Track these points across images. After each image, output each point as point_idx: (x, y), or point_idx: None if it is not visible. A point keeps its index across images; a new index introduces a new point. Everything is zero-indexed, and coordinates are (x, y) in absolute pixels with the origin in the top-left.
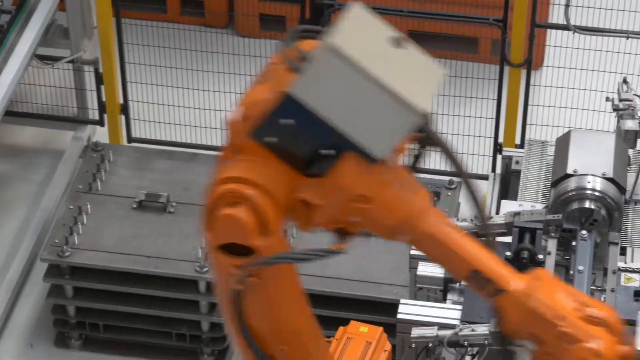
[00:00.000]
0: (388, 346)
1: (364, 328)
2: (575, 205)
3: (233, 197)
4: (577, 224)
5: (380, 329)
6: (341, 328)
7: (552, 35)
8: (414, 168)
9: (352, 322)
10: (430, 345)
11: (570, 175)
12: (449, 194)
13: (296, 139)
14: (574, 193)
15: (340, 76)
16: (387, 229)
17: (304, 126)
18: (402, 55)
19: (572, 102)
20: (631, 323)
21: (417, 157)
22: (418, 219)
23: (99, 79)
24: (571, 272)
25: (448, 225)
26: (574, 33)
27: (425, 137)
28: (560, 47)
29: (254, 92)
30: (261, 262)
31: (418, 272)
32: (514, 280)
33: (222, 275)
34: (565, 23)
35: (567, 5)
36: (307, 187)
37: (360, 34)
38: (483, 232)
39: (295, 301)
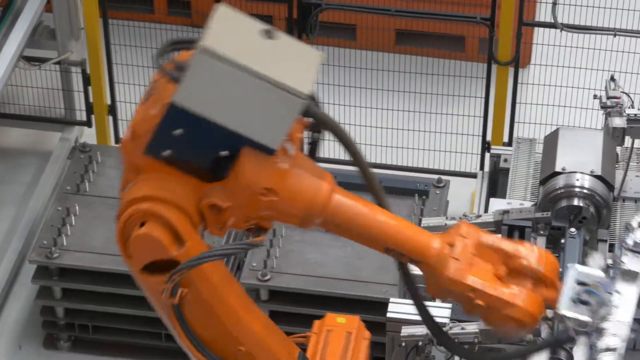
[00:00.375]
0: (367, 334)
1: (341, 319)
2: (564, 203)
3: (141, 217)
4: (565, 221)
5: (358, 317)
6: (317, 322)
7: (540, 33)
8: (313, 155)
9: (329, 315)
10: (420, 343)
11: (558, 173)
12: (437, 192)
13: (191, 147)
14: (562, 191)
15: (219, 76)
16: (298, 217)
17: (195, 133)
18: (275, 46)
19: (560, 100)
20: None
21: (313, 144)
22: (325, 202)
23: (87, 80)
24: (560, 269)
25: (358, 204)
26: (561, 31)
27: (316, 122)
28: (548, 45)
29: (140, 111)
30: (181, 267)
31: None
32: (428, 250)
33: (155, 295)
34: (552, 21)
35: (554, 3)
36: (213, 191)
37: (231, 32)
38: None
39: (236, 298)
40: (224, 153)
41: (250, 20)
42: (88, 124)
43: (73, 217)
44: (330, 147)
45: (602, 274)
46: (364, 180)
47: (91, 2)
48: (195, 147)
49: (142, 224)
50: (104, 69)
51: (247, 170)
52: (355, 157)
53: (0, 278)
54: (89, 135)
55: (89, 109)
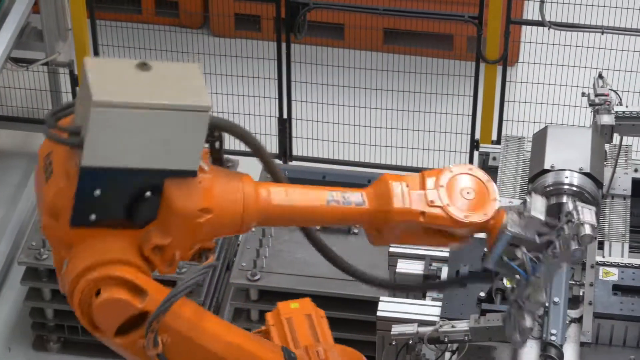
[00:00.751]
0: (322, 312)
1: (294, 304)
2: (553, 201)
3: (93, 287)
4: (555, 219)
5: (308, 299)
6: (269, 314)
7: (527, 31)
8: (221, 162)
9: (280, 304)
10: (410, 342)
11: (547, 171)
12: None
13: (114, 202)
14: (551, 188)
15: (119, 123)
16: (237, 225)
17: (113, 186)
18: (156, 74)
19: (548, 97)
20: (610, 317)
21: (217, 152)
22: (256, 199)
23: (74, 81)
24: None
25: (284, 189)
26: (549, 29)
27: (213, 130)
28: (536, 43)
29: (47, 190)
30: (156, 314)
31: (397, 270)
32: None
33: (137, 353)
34: (540, 19)
35: (542, 2)
36: (150, 234)
37: (110, 79)
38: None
39: (212, 322)
40: (148, 194)
41: (119, 60)
42: None
43: None
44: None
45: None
46: (267, 167)
47: (78, 3)
48: (118, 200)
49: (98, 293)
50: None
51: (177, 199)
52: (260, 151)
53: None
54: None
55: None
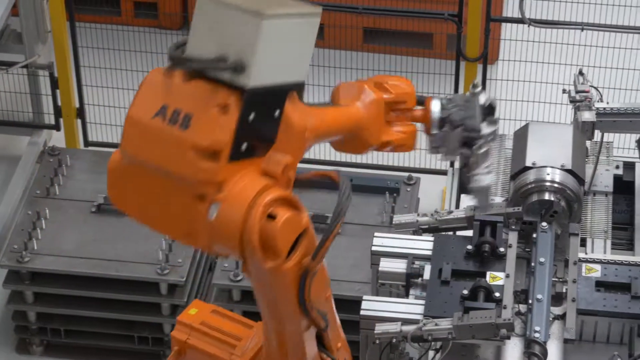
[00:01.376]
0: (212, 305)
1: (192, 310)
2: (534, 198)
3: (265, 212)
4: (537, 216)
5: (196, 299)
6: (174, 333)
7: (507, 29)
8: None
9: (179, 318)
10: (394, 340)
11: (529, 168)
12: (408, 189)
13: (260, 125)
14: (533, 185)
15: (283, 34)
16: (309, 144)
17: (263, 107)
18: None
19: (529, 95)
20: (593, 313)
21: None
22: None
23: (54, 83)
24: (532, 264)
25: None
26: (529, 26)
27: None
28: (516, 40)
29: (196, 137)
30: (332, 226)
31: (380, 268)
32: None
33: (292, 282)
34: (520, 16)
35: None
36: (277, 156)
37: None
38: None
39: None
40: (277, 113)
41: None
42: (56, 127)
43: (43, 221)
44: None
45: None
46: None
47: (58, 5)
48: (261, 123)
49: (271, 214)
50: (71, 72)
51: (295, 115)
52: None
53: None
54: (57, 139)
55: (57, 113)
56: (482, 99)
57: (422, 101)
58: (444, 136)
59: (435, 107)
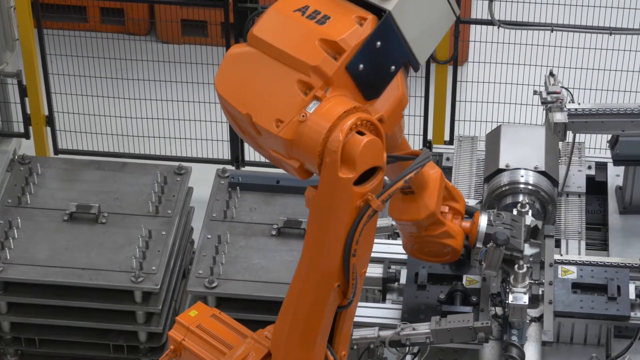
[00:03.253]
0: (217, 310)
1: (193, 312)
2: (509, 200)
3: (358, 125)
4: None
5: (199, 302)
6: (171, 332)
7: (476, 30)
8: None
9: (178, 317)
10: (372, 345)
11: (502, 170)
12: None
13: (382, 60)
14: (507, 187)
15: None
16: None
17: (390, 46)
18: None
19: (500, 96)
20: (570, 315)
21: None
22: None
23: (23, 91)
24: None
25: None
26: (498, 27)
27: None
28: (485, 42)
29: (325, 30)
30: (423, 160)
31: None
32: None
33: (352, 211)
34: (489, 18)
35: (490, 0)
36: (376, 107)
37: None
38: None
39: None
40: (393, 68)
41: None
42: (26, 135)
43: (16, 230)
44: None
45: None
46: None
47: (25, 12)
48: (383, 61)
49: (358, 132)
50: (40, 80)
51: (404, 85)
52: None
53: None
54: (27, 147)
55: (27, 120)
56: (528, 220)
57: (470, 213)
58: (488, 251)
59: (483, 222)
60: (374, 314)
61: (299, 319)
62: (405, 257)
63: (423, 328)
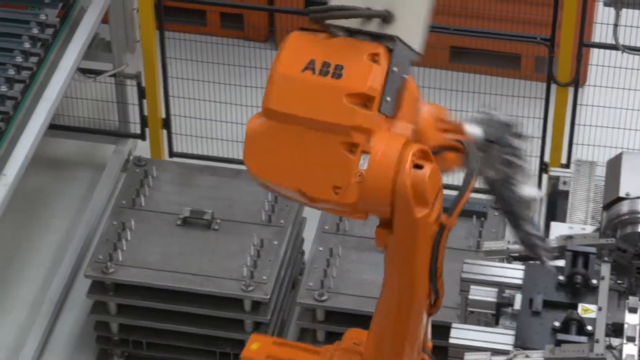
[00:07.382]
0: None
1: (254, 345)
2: (629, 229)
3: (415, 159)
4: (632, 246)
5: (254, 333)
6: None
7: (595, 54)
8: None
9: (243, 355)
10: None
11: (622, 199)
12: (496, 213)
13: (398, 85)
14: (627, 217)
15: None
16: None
17: (407, 64)
18: None
19: (618, 121)
20: None
21: None
22: None
23: (141, 93)
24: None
25: None
26: (622, 52)
27: None
28: (604, 66)
29: (350, 84)
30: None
31: (470, 296)
32: None
33: (431, 233)
34: (613, 42)
35: (615, 25)
36: (403, 122)
37: None
38: None
39: None
40: (405, 77)
41: None
42: (142, 137)
43: (129, 232)
44: None
45: None
46: None
47: (148, 14)
48: (398, 80)
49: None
50: (159, 82)
51: (414, 84)
52: None
53: (54, 291)
54: (142, 149)
55: (143, 122)
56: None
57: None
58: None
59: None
60: (486, 339)
61: (398, 343)
62: (520, 282)
63: (537, 356)
